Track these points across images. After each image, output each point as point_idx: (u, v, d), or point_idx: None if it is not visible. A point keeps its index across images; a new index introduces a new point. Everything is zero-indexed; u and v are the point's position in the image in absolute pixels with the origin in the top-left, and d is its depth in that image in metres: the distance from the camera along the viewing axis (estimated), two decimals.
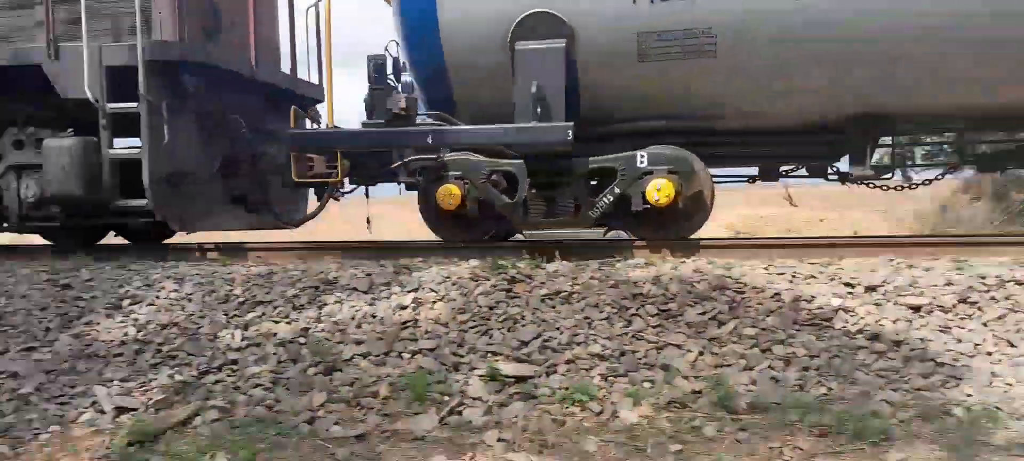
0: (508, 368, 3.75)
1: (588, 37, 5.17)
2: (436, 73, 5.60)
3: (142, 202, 5.86)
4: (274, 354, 4.08)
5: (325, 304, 4.57)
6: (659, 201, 5.11)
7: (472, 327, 4.15)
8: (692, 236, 5.75)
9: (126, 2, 5.81)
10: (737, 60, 5.05)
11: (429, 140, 5.49)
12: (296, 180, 6.02)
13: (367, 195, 6.57)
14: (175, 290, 4.85)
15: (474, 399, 3.61)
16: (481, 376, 3.74)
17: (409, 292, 4.54)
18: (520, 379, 3.70)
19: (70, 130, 5.97)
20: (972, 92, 5.01)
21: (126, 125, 5.86)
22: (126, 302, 4.77)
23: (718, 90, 5.24)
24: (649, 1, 5.02)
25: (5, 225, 6.57)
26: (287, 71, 7.10)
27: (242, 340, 4.23)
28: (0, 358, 4.35)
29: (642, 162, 5.26)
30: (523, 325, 4.12)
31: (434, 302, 4.42)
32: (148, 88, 5.74)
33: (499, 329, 4.11)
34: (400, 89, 5.92)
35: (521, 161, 5.45)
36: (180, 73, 5.92)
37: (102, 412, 3.77)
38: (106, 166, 5.91)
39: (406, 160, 5.89)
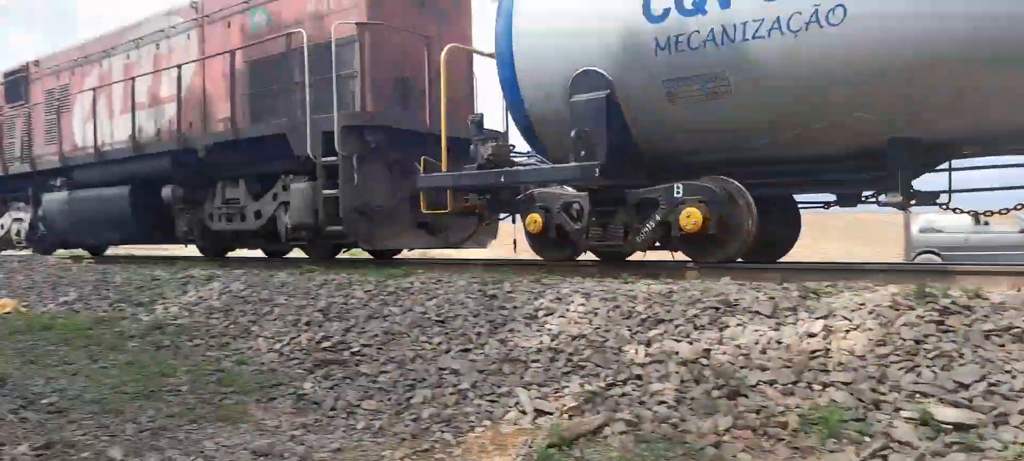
0: (944, 413, 3.38)
1: (624, 87, 6.37)
2: (524, 125, 7.29)
3: (339, 228, 8.37)
4: (677, 373, 4.30)
5: (726, 326, 4.64)
6: (688, 228, 6.04)
7: (895, 362, 3.83)
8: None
9: (337, 90, 8.27)
10: (748, 98, 5.87)
11: (501, 180, 7.26)
12: (426, 210, 8.11)
13: (513, 221, 8.10)
14: (582, 304, 5.37)
15: (902, 444, 3.33)
16: (909, 418, 3.43)
17: (818, 319, 4.38)
18: (959, 427, 3.30)
19: (305, 177, 8.80)
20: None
21: (335, 172, 8.37)
22: (541, 313, 5.42)
23: (735, 125, 6.09)
24: (668, 53, 6.05)
25: (280, 243, 9.89)
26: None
27: (645, 356, 4.53)
28: (445, 356, 5.27)
29: (678, 193, 6.26)
30: (961, 364, 3.67)
31: (847, 331, 4.21)
32: (342, 146, 8.21)
33: (929, 367, 3.73)
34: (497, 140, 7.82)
35: (586, 194, 6.86)
36: (364, 134, 8.27)
37: (523, 412, 4.39)
38: (321, 203, 8.47)
39: (520, 195, 7.52)
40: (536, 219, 7.11)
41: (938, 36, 5.05)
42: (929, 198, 6.30)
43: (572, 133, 6.48)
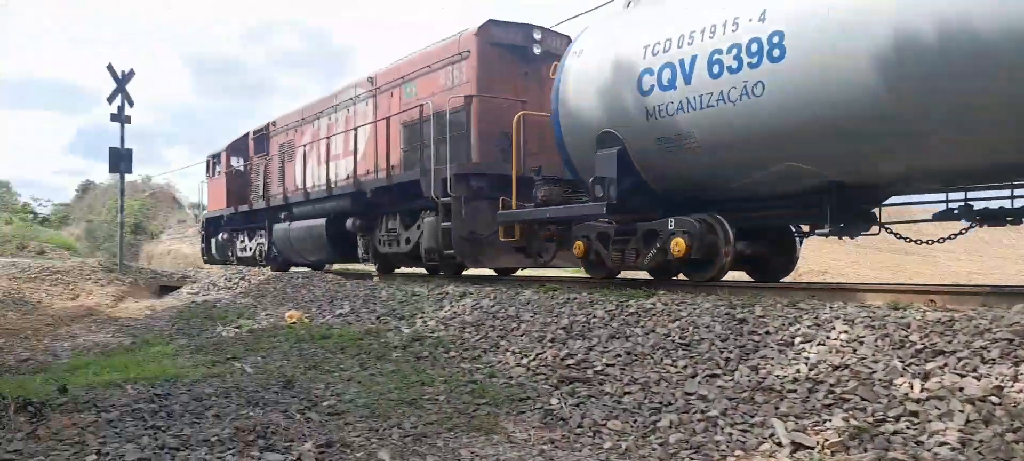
0: None
1: (632, 144, 7.90)
2: (571, 169, 9.05)
3: (452, 251, 10.73)
4: (961, 411, 3.81)
5: (1022, 361, 4.02)
6: (677, 254, 7.41)
7: None
8: None
9: (441, 147, 10.80)
10: (709, 154, 7.31)
11: (547, 215, 9.11)
12: (503, 239, 10.03)
13: None
14: (846, 331, 4.96)
15: None
16: None
17: None
18: None
19: (433, 212, 11.21)
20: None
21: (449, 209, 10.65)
22: (797, 340, 5.08)
23: (706, 172, 7.59)
24: (655, 118, 7.53)
25: (422, 263, 12.29)
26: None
27: (922, 391, 4.09)
28: (691, 381, 5.12)
29: (670, 226, 7.64)
30: None
31: None
32: (453, 189, 10.48)
33: None
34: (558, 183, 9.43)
35: (614, 225, 8.44)
36: (469, 180, 10.48)
37: (779, 445, 4.13)
38: (440, 232, 10.80)
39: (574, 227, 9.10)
40: (580, 245, 8.83)
41: (822, 109, 6.26)
42: (858, 229, 7.39)
43: (591, 180, 8.18)
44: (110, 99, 18.01)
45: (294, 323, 9.69)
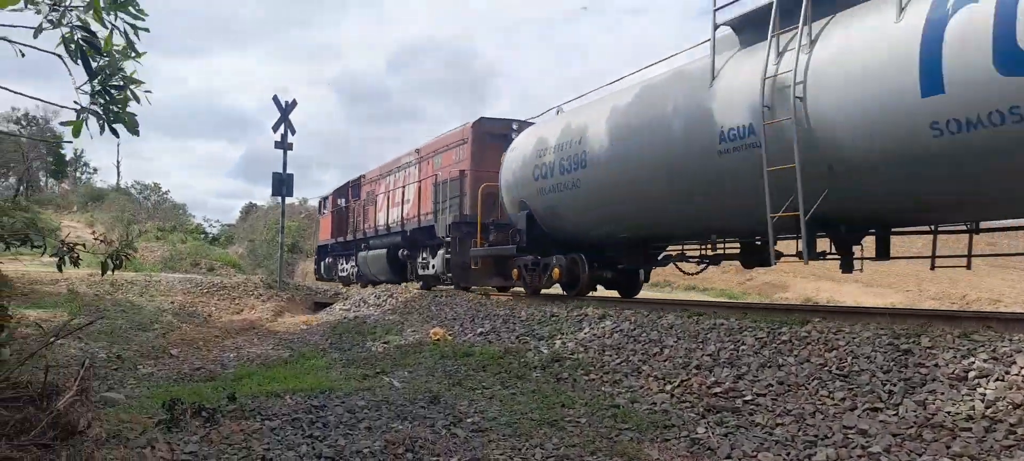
0: None
1: (535, 210, 11.94)
2: (511, 221, 13.00)
3: (450, 274, 15.14)
4: None
5: None
6: (555, 277, 11.65)
7: None
8: None
9: (450, 202, 15.23)
10: (568, 219, 11.31)
11: (486, 253, 13.80)
12: (473, 269, 14.56)
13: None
14: None
15: None
16: None
17: None
18: None
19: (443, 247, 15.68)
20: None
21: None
22: (972, 374, 4.69)
23: (572, 227, 11.47)
24: (544, 194, 11.46)
25: (421, 280, 17.13)
26: None
27: None
28: (849, 414, 4.83)
29: (553, 261, 11.81)
30: None
31: None
32: (450, 232, 14.89)
33: None
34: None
35: (531, 258, 12.44)
36: (461, 226, 14.64)
37: None
38: (441, 262, 15.39)
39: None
40: (516, 272, 13.02)
41: (615, 187, 9.90)
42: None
43: (510, 230, 12.73)
44: (274, 128, 19.39)
45: (438, 340, 9.99)
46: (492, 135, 14.83)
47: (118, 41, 3.66)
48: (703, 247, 10.48)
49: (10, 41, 3.45)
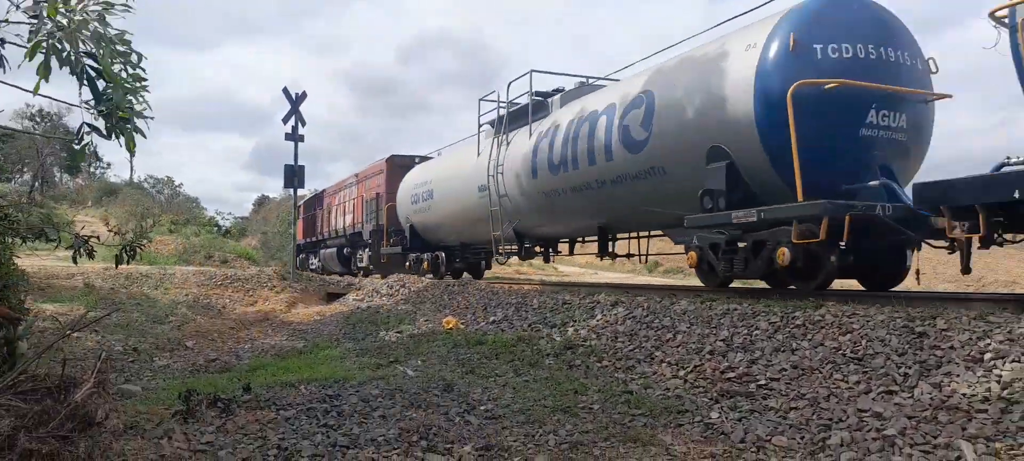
0: None
1: (412, 219, 17.84)
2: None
3: (371, 266, 22.18)
4: None
5: None
6: (425, 268, 17.54)
7: None
8: None
9: (372, 215, 21.70)
10: (433, 229, 17.00)
11: (390, 250, 19.77)
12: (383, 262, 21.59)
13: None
14: None
15: None
16: None
17: None
18: None
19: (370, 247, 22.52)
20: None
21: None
22: (988, 356, 4.66)
23: (435, 234, 17.28)
24: (417, 215, 17.32)
25: (371, 267, 22.35)
26: None
27: None
28: (864, 397, 4.81)
29: (423, 257, 17.77)
30: None
31: None
32: (370, 236, 21.92)
33: None
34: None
35: (424, 254, 17.76)
36: (377, 232, 21.14)
37: None
38: (367, 257, 22.15)
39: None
40: (407, 265, 18.13)
41: (442, 213, 15.77)
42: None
43: (402, 236, 18.43)
44: (285, 120, 19.45)
45: (451, 329, 10.02)
46: (401, 167, 19.72)
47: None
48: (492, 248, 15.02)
49: (18, 44, 3.48)
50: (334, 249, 25.43)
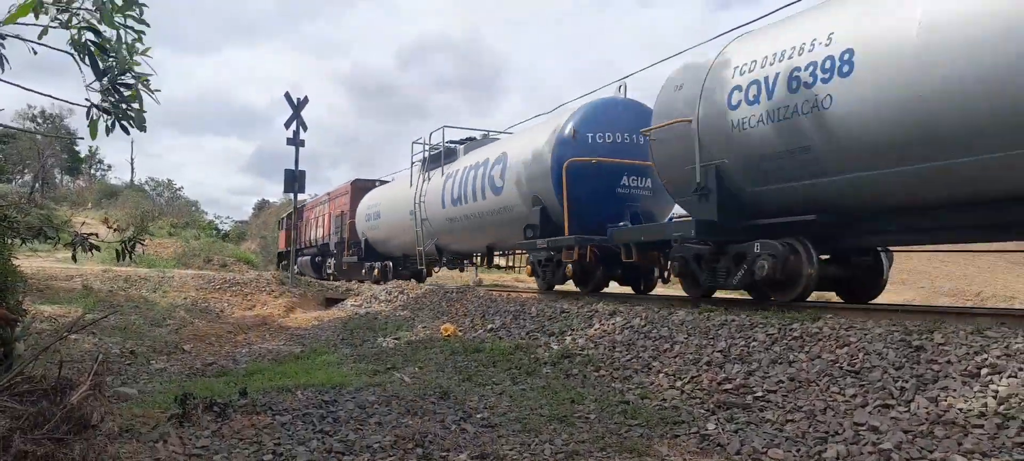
0: None
1: (367, 233, 22.62)
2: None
3: (335, 274, 25.68)
4: None
5: None
6: (375, 274, 21.75)
7: None
8: None
9: (338, 229, 25.42)
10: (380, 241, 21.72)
11: (351, 259, 24.79)
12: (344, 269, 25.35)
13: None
14: None
15: None
16: None
17: None
18: None
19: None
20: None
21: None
22: (984, 371, 4.66)
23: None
24: (370, 220, 21.95)
25: (335, 274, 25.44)
26: None
27: None
28: (860, 410, 4.81)
29: (377, 265, 22.33)
30: None
31: None
32: (335, 248, 26.14)
33: None
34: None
35: (374, 265, 22.69)
36: (342, 244, 25.20)
37: None
38: (333, 266, 26.06)
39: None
40: (363, 271, 22.00)
41: (387, 230, 20.50)
42: None
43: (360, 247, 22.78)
44: (287, 124, 19.46)
45: (449, 336, 10.01)
46: (362, 189, 23.50)
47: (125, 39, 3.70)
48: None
49: (23, 39, 3.49)
50: (309, 257, 29.21)
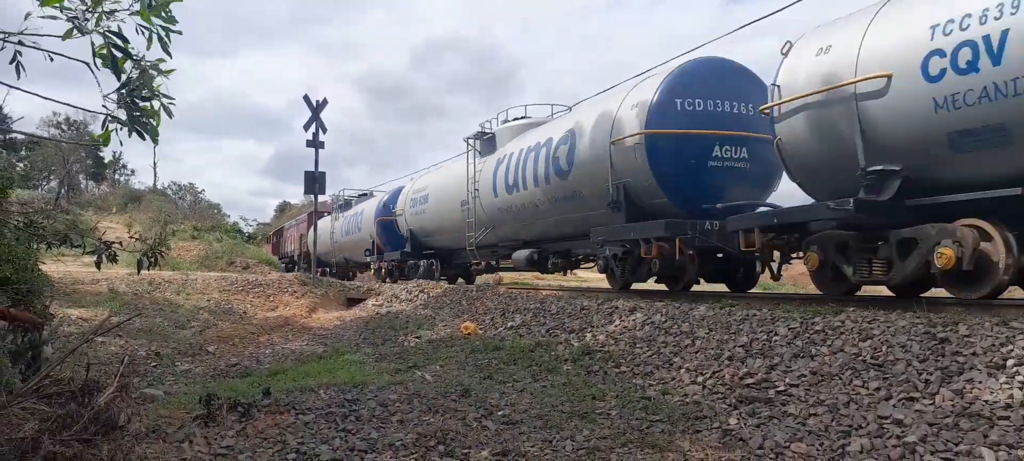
0: None
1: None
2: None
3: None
4: None
5: None
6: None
7: None
8: None
9: (316, 240, 27.68)
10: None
11: (340, 259, 31.58)
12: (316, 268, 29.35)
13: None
14: None
15: None
16: None
17: None
18: None
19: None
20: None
21: None
22: (1011, 363, 4.59)
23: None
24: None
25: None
26: None
27: None
28: (884, 403, 4.77)
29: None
30: None
31: None
32: (297, 258, 38.00)
33: None
34: None
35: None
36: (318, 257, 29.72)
37: None
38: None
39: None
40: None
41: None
42: None
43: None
44: (306, 127, 19.62)
45: (469, 334, 10.04)
46: (319, 214, 27.06)
47: (151, 48, 3.73)
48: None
49: (40, 49, 3.54)
50: (284, 265, 36.71)
